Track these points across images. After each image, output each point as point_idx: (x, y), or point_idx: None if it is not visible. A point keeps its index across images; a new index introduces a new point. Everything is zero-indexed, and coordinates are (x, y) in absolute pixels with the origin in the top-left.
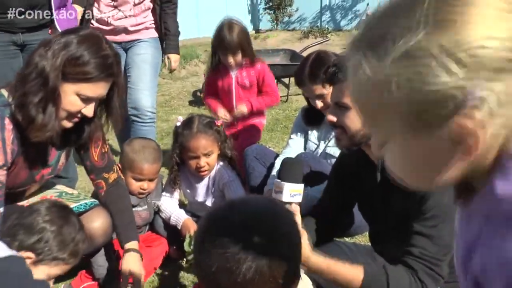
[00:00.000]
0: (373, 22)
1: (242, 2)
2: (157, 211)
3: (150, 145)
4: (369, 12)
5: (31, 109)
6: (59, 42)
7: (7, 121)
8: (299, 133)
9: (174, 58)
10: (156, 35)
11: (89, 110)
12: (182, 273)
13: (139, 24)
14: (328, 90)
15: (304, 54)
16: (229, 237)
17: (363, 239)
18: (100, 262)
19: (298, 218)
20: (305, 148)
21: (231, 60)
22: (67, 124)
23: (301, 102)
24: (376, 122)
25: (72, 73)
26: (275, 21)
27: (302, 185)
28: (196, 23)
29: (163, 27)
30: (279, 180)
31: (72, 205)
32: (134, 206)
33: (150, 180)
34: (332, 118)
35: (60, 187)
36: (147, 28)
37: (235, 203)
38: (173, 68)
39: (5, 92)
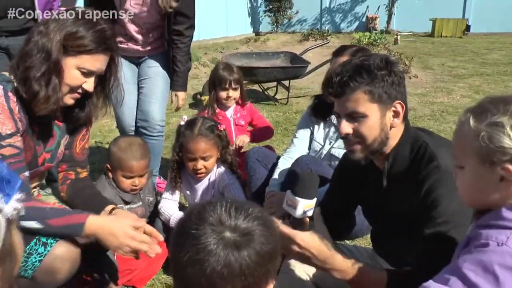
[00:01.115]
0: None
1: (242, 5)
2: (157, 214)
3: (136, 141)
4: (369, 15)
5: (34, 84)
6: (56, 20)
7: (10, 94)
8: (304, 132)
9: (181, 96)
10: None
11: (89, 85)
12: None
13: (150, 48)
14: None
15: (305, 56)
16: (202, 230)
17: (364, 241)
18: (100, 263)
19: (306, 229)
20: (309, 148)
21: (231, 95)
22: (69, 101)
23: (301, 104)
24: (464, 153)
25: (72, 46)
26: (275, 24)
27: (315, 200)
28: (197, 26)
29: (173, 62)
30: (293, 195)
31: None
32: (128, 203)
33: (141, 176)
34: (347, 130)
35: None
36: (158, 47)
37: (214, 201)
38: (180, 106)
39: (6, 73)
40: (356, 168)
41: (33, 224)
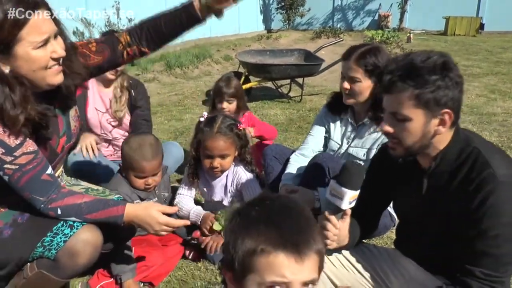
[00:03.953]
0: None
1: (254, 2)
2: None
3: (147, 141)
4: (382, 13)
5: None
6: None
7: None
8: (319, 129)
9: None
10: None
11: (58, 49)
12: (198, 274)
13: None
14: (364, 82)
15: (318, 54)
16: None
17: (380, 241)
18: (118, 259)
19: (347, 220)
20: (326, 147)
21: (224, 107)
22: (56, 78)
23: (315, 102)
24: None
25: (4, 34)
26: (287, 21)
27: (359, 191)
28: (209, 23)
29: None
30: (340, 185)
31: None
32: (143, 200)
33: (153, 175)
34: (388, 129)
35: (85, 184)
36: None
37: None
38: None
39: None
40: (396, 162)
41: (73, 219)
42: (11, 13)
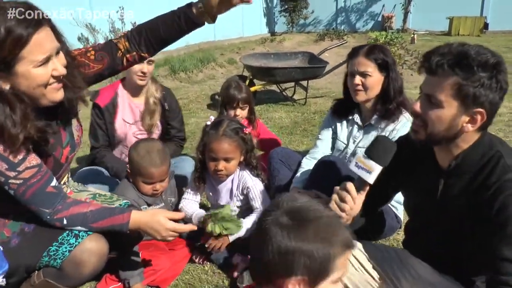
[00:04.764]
0: None
1: (257, 5)
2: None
3: (155, 147)
4: (385, 14)
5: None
6: None
7: None
8: (326, 132)
9: None
10: None
11: (57, 67)
12: (205, 277)
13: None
14: (375, 76)
15: (322, 56)
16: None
17: (386, 243)
18: (125, 264)
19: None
20: (333, 147)
21: (238, 113)
22: (56, 95)
23: (320, 105)
24: None
25: (5, 52)
26: (290, 24)
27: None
28: (213, 27)
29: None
30: (370, 159)
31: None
32: (150, 205)
33: (161, 180)
34: (417, 108)
35: (92, 189)
36: None
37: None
38: None
39: None
40: (415, 152)
41: (79, 228)
42: (12, 32)
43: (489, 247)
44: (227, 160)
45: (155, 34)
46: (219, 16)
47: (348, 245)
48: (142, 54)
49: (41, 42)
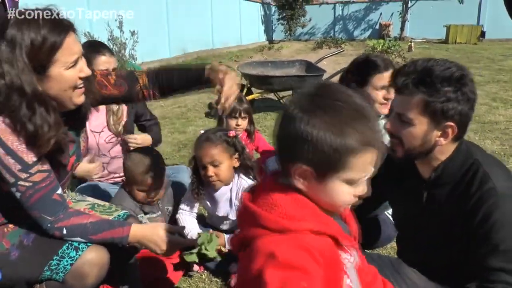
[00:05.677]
0: None
1: (255, 13)
2: (175, 223)
3: (148, 154)
4: (383, 22)
5: (28, 125)
6: (4, 44)
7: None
8: None
9: None
10: None
11: (84, 69)
12: (202, 285)
13: None
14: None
15: (319, 64)
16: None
17: (384, 251)
18: (123, 273)
19: None
20: None
21: (239, 123)
22: (79, 99)
23: None
24: None
25: (42, 56)
26: (288, 32)
27: None
28: (210, 35)
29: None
30: None
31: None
32: (147, 213)
33: (156, 188)
34: (391, 127)
35: (90, 199)
36: None
37: None
38: None
39: None
40: (399, 167)
41: (78, 240)
42: (48, 39)
43: (475, 256)
44: (214, 165)
45: (169, 83)
46: (218, 24)
47: (370, 144)
48: (156, 94)
49: (71, 45)
